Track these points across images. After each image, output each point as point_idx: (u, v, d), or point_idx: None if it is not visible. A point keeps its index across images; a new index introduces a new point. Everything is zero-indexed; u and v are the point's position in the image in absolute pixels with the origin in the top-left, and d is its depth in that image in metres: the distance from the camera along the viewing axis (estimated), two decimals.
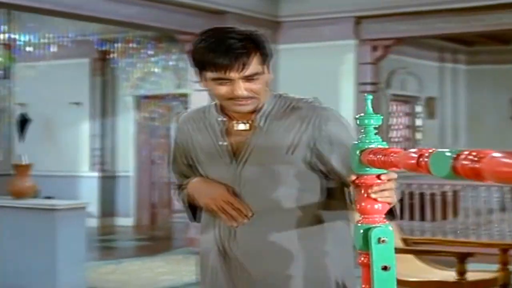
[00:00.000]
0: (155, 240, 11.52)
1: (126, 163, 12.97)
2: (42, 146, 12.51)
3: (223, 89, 2.32)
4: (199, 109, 2.57)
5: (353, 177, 2.02)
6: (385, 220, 1.99)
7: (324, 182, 2.44)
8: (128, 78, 12.17)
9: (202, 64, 2.32)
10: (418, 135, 13.83)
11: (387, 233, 1.96)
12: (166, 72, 10.91)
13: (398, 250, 5.86)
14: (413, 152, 1.66)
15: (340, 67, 10.56)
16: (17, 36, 10.18)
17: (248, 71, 2.30)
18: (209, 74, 2.31)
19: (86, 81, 12.71)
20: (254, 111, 2.40)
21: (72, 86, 12.63)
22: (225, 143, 2.41)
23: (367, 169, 1.96)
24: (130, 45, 10.96)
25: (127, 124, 12.95)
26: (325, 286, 2.41)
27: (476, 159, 1.32)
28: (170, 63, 11.12)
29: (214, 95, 2.38)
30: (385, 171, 1.96)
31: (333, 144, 2.38)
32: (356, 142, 2.00)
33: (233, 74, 2.29)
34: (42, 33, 10.43)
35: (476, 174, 1.31)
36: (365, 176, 1.99)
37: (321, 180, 2.43)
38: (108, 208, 12.87)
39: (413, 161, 1.63)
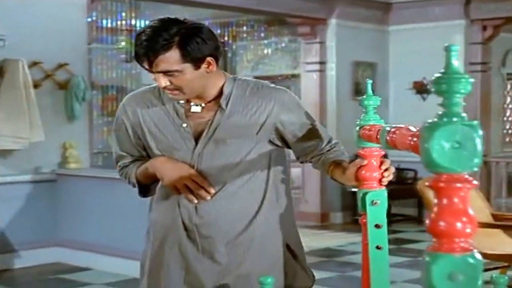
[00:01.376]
0: None
1: None
2: None
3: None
4: (147, 90, 2.58)
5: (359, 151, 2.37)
6: (382, 186, 2.32)
7: (283, 157, 2.57)
8: (241, 60, 12.56)
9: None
10: None
11: (380, 196, 2.28)
12: (277, 54, 11.20)
13: (485, 225, 6.08)
14: (381, 128, 1.99)
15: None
16: (136, 23, 10.74)
17: (160, 67, 2.31)
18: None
19: None
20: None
21: None
22: (185, 125, 2.46)
23: (364, 143, 2.31)
24: (243, 28, 11.30)
25: None
26: (275, 247, 2.54)
27: (396, 132, 1.65)
28: (282, 45, 11.43)
29: None
30: (376, 144, 2.28)
31: (295, 121, 2.51)
32: (358, 121, 2.35)
33: (147, 68, 2.33)
34: None
35: (394, 145, 1.64)
36: (365, 149, 2.33)
37: (280, 154, 2.56)
38: None
39: (377, 136, 1.97)
